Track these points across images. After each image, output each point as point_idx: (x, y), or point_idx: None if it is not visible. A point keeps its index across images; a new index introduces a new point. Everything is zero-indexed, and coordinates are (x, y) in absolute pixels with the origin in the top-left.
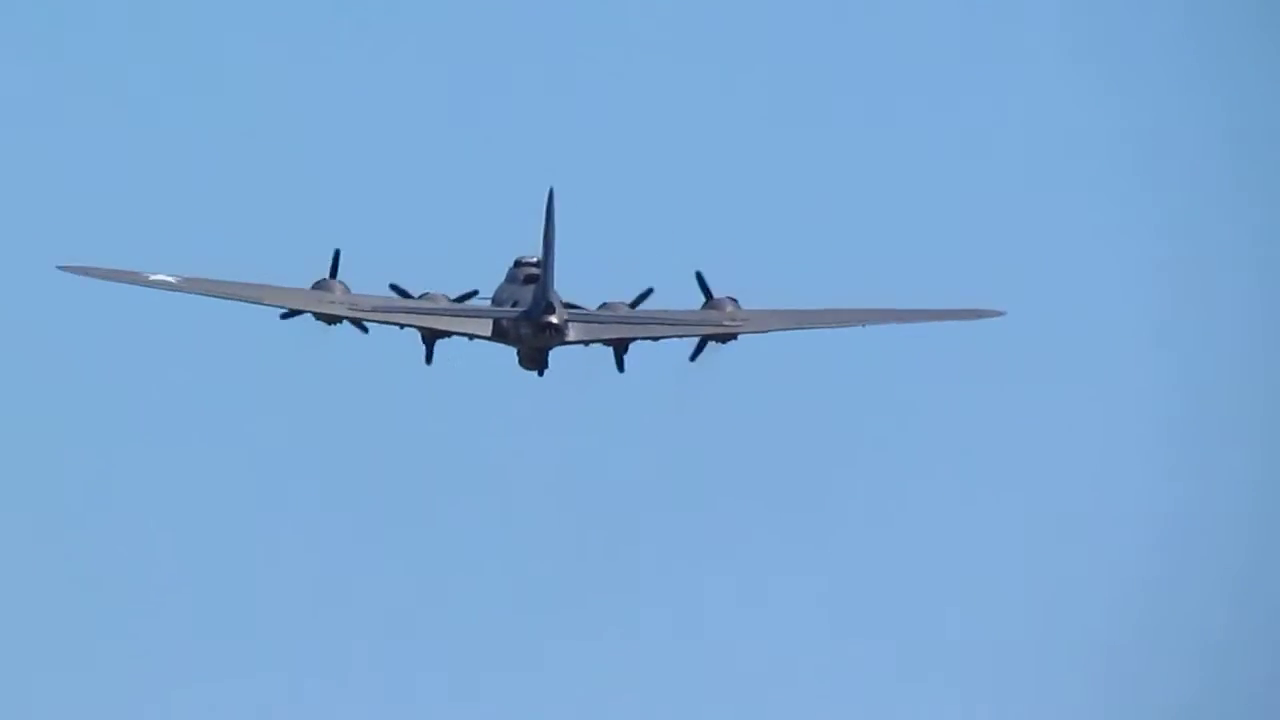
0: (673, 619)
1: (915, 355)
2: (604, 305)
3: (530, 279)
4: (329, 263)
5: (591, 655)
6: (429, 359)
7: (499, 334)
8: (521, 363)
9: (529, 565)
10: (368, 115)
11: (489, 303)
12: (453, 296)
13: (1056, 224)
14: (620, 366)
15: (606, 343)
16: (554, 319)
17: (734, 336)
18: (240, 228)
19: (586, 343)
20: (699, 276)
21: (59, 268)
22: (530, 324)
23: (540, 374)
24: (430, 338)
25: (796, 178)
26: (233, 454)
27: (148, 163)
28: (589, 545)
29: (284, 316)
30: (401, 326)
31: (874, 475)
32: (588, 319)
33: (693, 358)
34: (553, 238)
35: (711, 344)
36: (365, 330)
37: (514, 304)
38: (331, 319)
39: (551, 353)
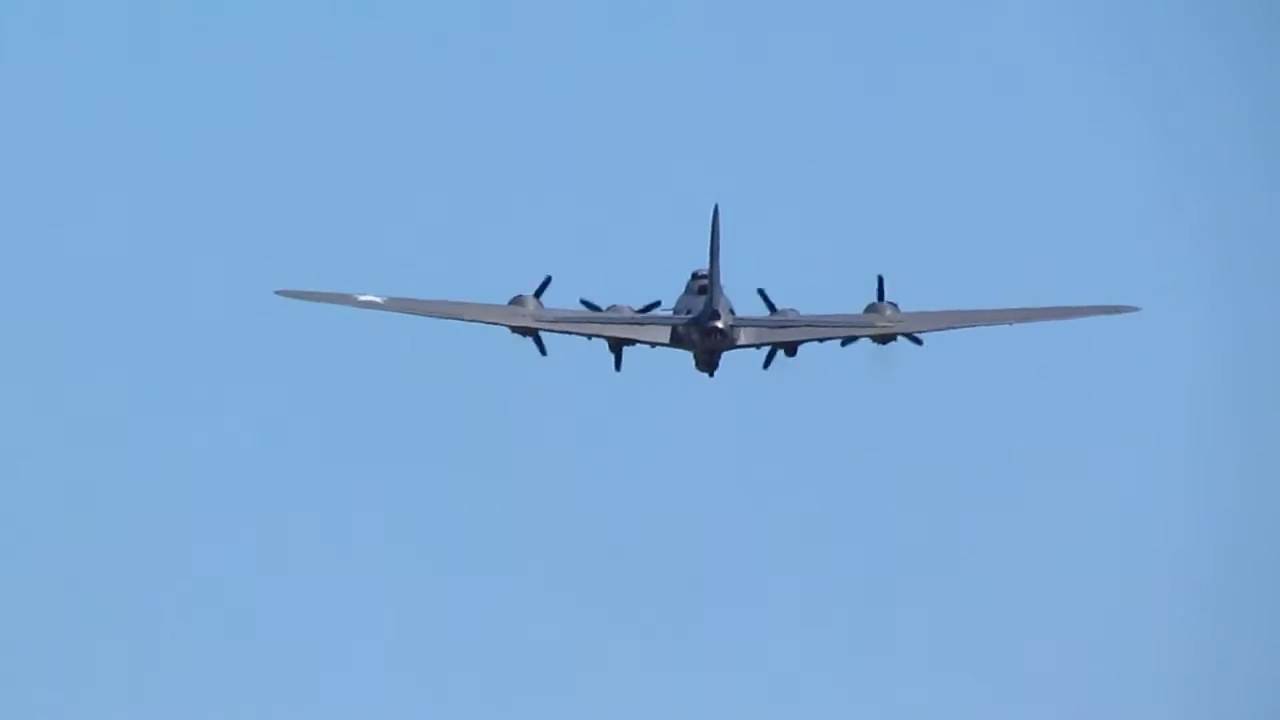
0: (854, 611)
1: (1061, 349)
2: (777, 311)
3: (704, 289)
4: (536, 283)
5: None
6: (618, 365)
7: (676, 340)
8: (697, 366)
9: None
10: (552, 137)
11: (671, 312)
12: (637, 308)
13: (1192, 220)
14: (766, 366)
15: (776, 345)
16: (719, 324)
17: (893, 337)
18: (438, 247)
19: (757, 345)
20: (880, 281)
21: (277, 293)
22: (699, 330)
23: (710, 375)
24: (616, 346)
25: (933, 182)
26: (442, 456)
27: (346, 186)
28: (764, 534)
29: (518, 331)
30: (589, 337)
31: (1031, 468)
32: (755, 324)
33: (844, 344)
34: (718, 250)
35: (873, 344)
36: (541, 347)
37: (688, 312)
38: (525, 331)
39: (725, 355)
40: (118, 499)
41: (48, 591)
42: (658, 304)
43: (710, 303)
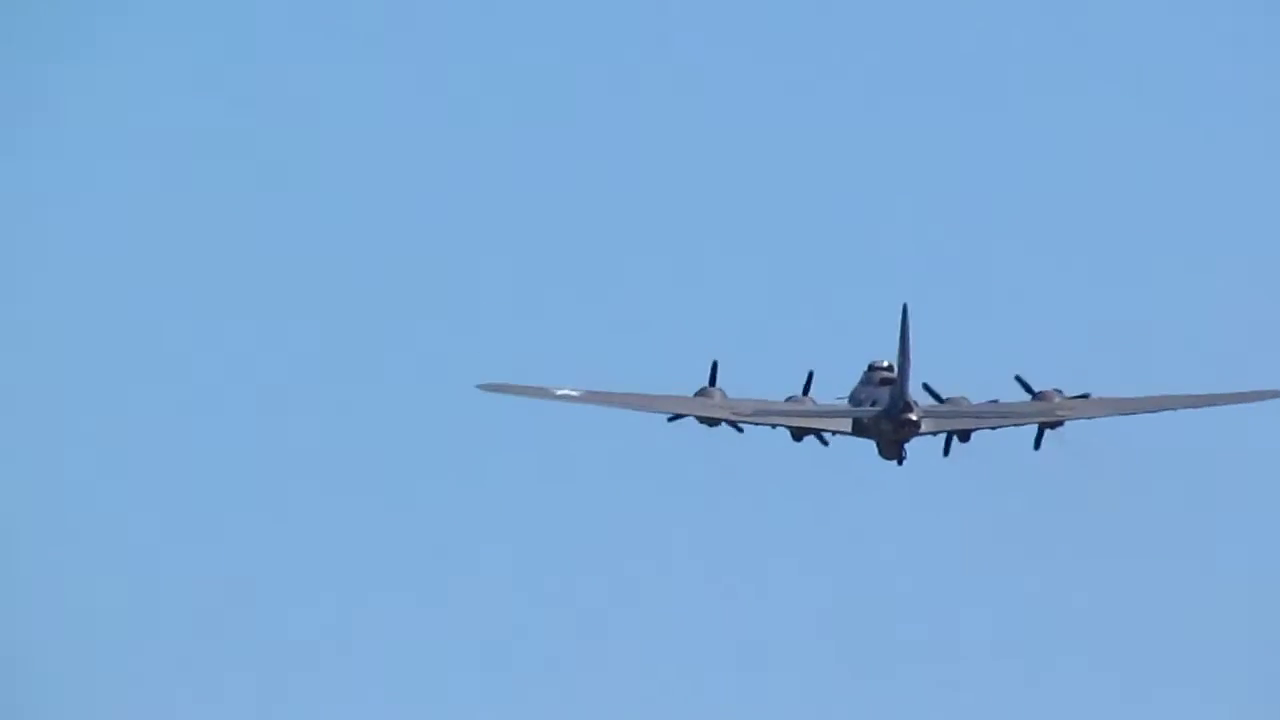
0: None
1: (1212, 433)
2: (948, 400)
3: (885, 381)
4: (707, 372)
5: None
6: (797, 438)
7: (859, 429)
8: (881, 453)
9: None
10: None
11: (846, 401)
12: (806, 394)
13: None
14: (947, 452)
15: (953, 434)
16: (914, 416)
17: (1062, 423)
18: (619, 340)
19: (935, 433)
20: (1019, 379)
21: (479, 387)
22: (892, 421)
23: (900, 463)
24: (799, 434)
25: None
26: (637, 541)
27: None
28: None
29: (670, 420)
30: (774, 426)
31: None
32: (939, 414)
33: (1036, 446)
34: (908, 346)
35: (1047, 431)
36: (740, 430)
37: (872, 403)
38: (714, 422)
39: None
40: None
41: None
42: (810, 376)
43: (903, 395)
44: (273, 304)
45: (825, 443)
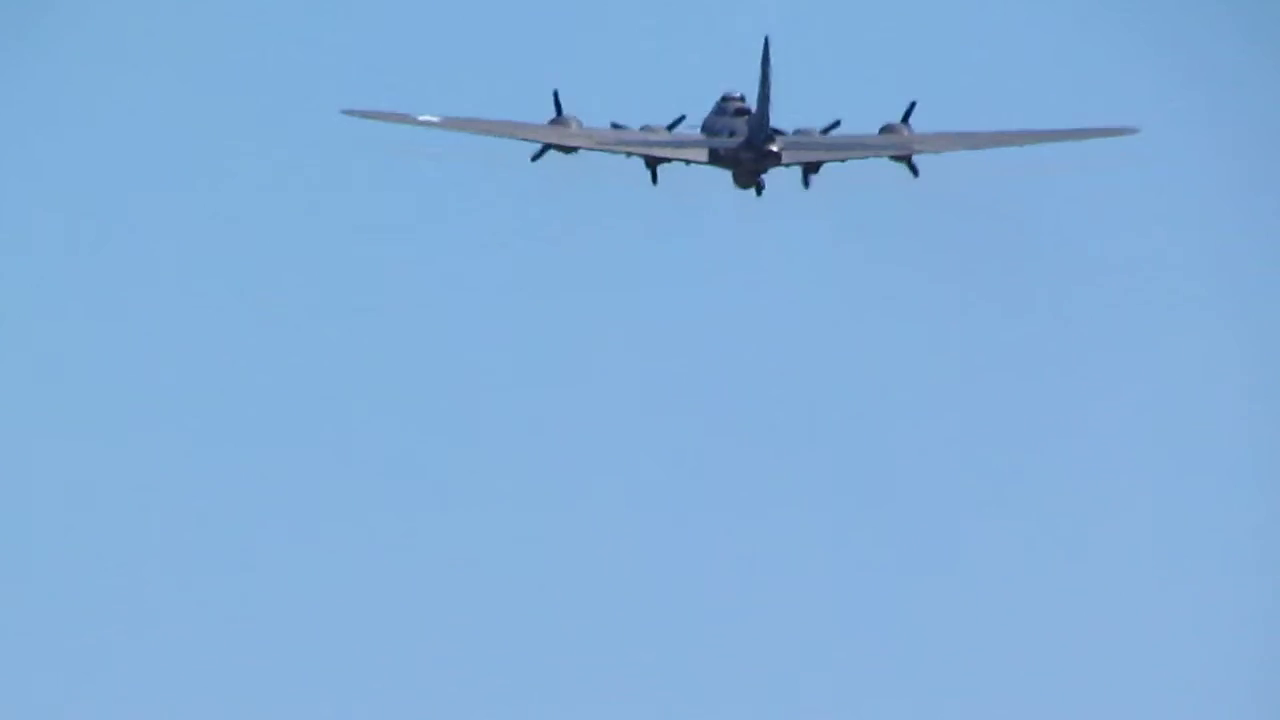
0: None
1: (1062, 169)
2: (798, 131)
3: (739, 112)
4: (551, 102)
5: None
6: (654, 180)
7: (715, 159)
8: (736, 182)
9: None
10: None
11: (698, 131)
12: (664, 125)
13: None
14: (806, 184)
15: (805, 165)
16: (776, 147)
17: (911, 156)
18: (467, 68)
19: (792, 164)
20: (911, 106)
21: (344, 112)
22: (754, 151)
23: (758, 194)
24: (653, 164)
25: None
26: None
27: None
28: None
29: (534, 159)
30: (629, 155)
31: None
32: (798, 145)
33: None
34: (769, 78)
35: (892, 163)
36: (570, 153)
37: (730, 134)
38: (569, 149)
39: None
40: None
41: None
42: (683, 118)
43: (765, 126)
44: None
45: (688, 163)
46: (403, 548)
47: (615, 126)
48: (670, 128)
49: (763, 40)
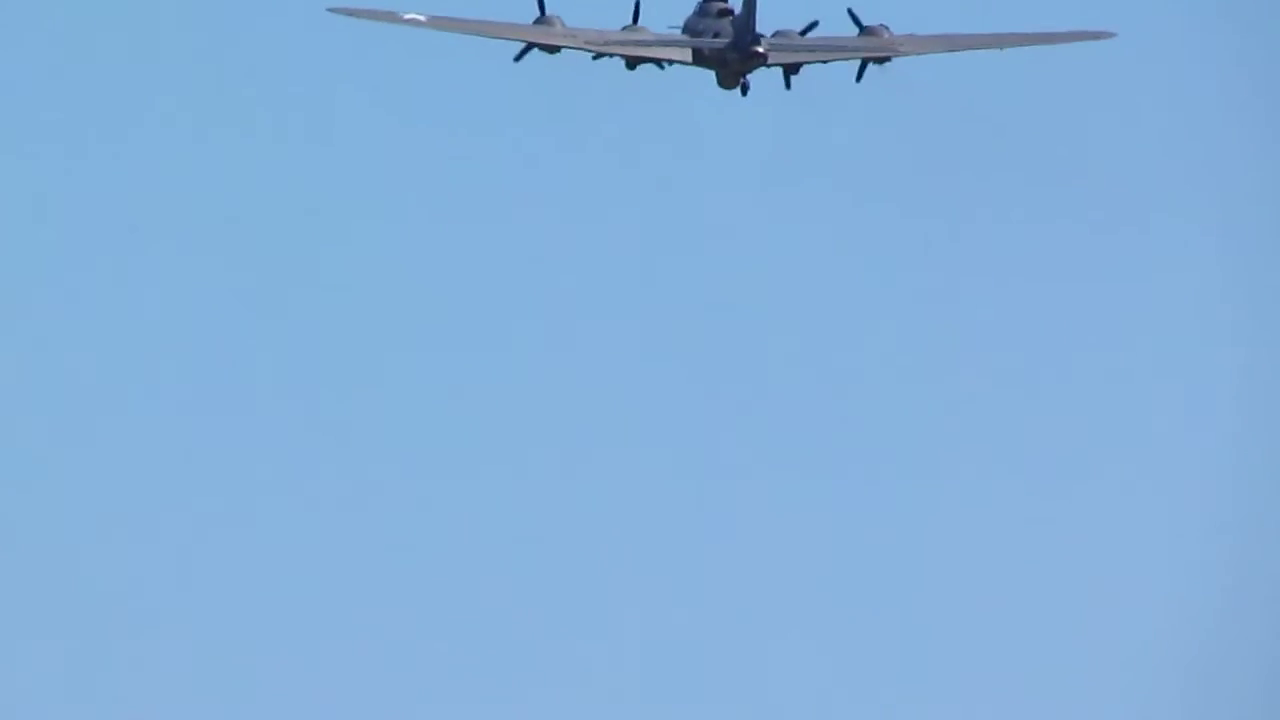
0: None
1: (1050, 73)
2: (777, 33)
3: (722, 13)
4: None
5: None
6: (630, 68)
7: (699, 60)
8: (720, 83)
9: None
10: None
11: (678, 32)
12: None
13: None
14: (788, 85)
15: (787, 66)
16: (761, 49)
17: (890, 59)
18: None
19: (772, 66)
20: (850, 12)
21: (329, 10)
22: (740, 52)
23: (744, 93)
24: (636, 63)
25: None
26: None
27: None
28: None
29: (517, 59)
30: (611, 55)
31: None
32: (782, 47)
33: (858, 79)
34: None
35: (872, 65)
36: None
37: (714, 35)
38: (553, 49)
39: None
40: None
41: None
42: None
43: (751, 27)
44: None
45: (663, 67)
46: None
47: (631, 24)
48: (634, 19)
49: None
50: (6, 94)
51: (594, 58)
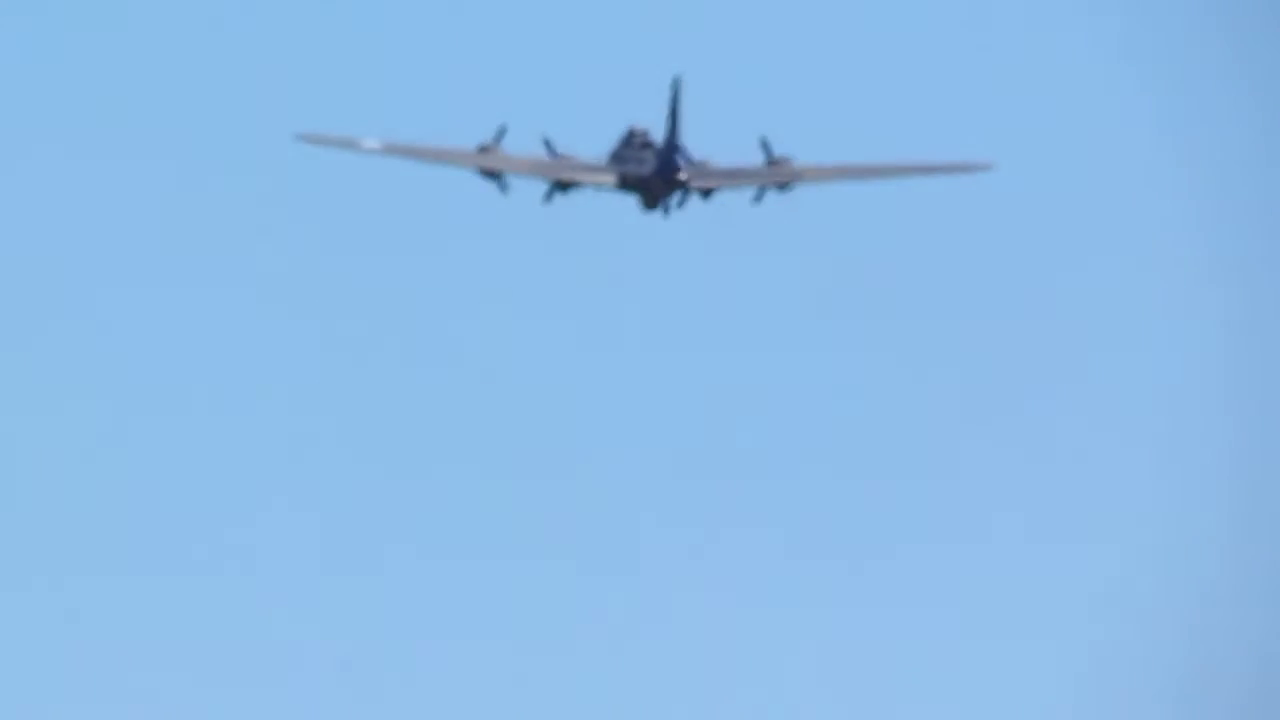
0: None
1: (920, 204)
2: (693, 162)
3: (645, 145)
4: (494, 132)
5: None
6: (547, 199)
7: (625, 184)
8: (644, 206)
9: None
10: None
11: (605, 160)
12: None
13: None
14: (704, 201)
15: (702, 190)
16: (683, 175)
17: (792, 186)
18: (409, 92)
19: (690, 189)
20: (764, 142)
21: (297, 137)
22: (662, 178)
23: (665, 214)
24: (566, 186)
25: (801, 38)
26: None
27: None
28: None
29: (485, 174)
30: (543, 179)
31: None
32: (699, 174)
33: (757, 200)
34: (678, 114)
35: (775, 191)
36: (502, 187)
37: (638, 163)
38: (492, 174)
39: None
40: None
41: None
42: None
43: (673, 156)
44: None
45: (599, 186)
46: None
47: (546, 145)
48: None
49: (671, 80)
50: None
51: (549, 186)
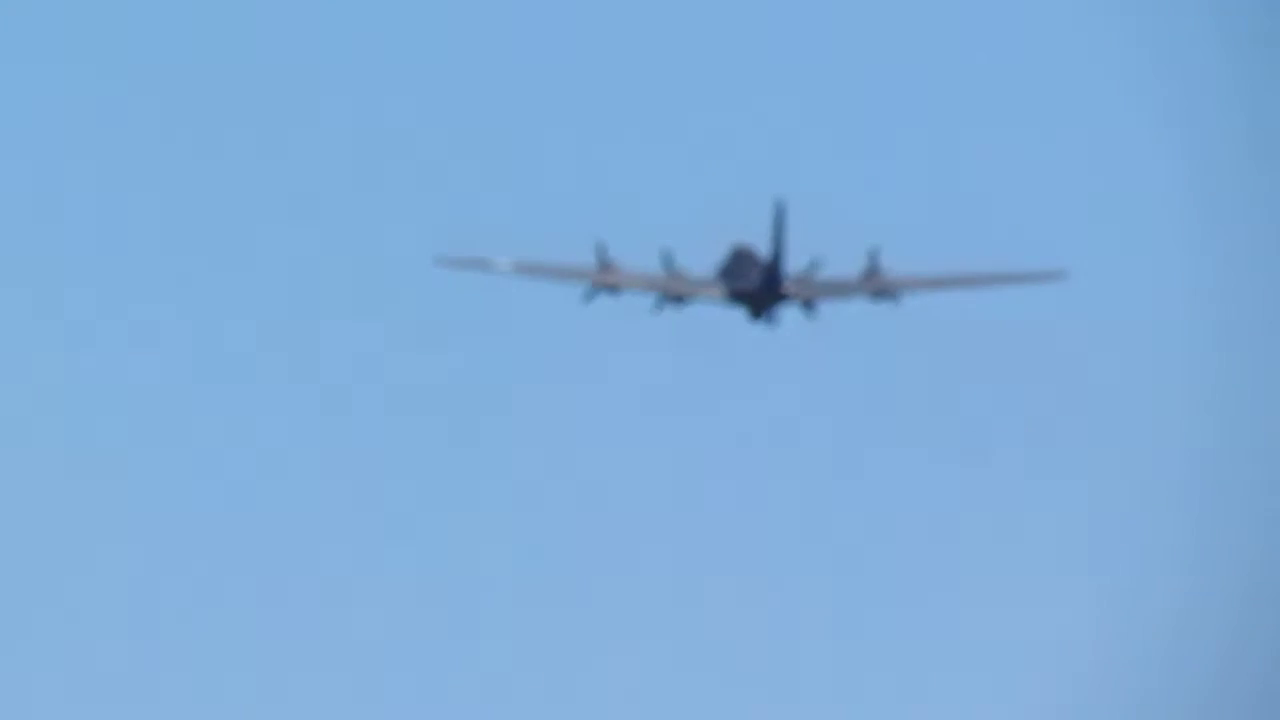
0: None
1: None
2: (797, 276)
3: (751, 260)
4: (595, 250)
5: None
6: (658, 309)
7: (734, 297)
8: (751, 316)
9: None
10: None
11: (716, 275)
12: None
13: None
14: (808, 317)
15: (804, 300)
16: (787, 289)
17: (896, 295)
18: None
19: (795, 300)
20: (870, 253)
21: (437, 260)
22: (769, 291)
23: (770, 325)
24: (673, 300)
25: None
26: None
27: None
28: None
29: (589, 299)
30: (666, 295)
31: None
32: (801, 286)
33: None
34: (783, 232)
35: (875, 298)
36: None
37: (744, 278)
38: (615, 289)
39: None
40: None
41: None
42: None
43: (778, 271)
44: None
45: (712, 299)
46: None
47: (666, 263)
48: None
49: (775, 202)
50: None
51: (663, 299)
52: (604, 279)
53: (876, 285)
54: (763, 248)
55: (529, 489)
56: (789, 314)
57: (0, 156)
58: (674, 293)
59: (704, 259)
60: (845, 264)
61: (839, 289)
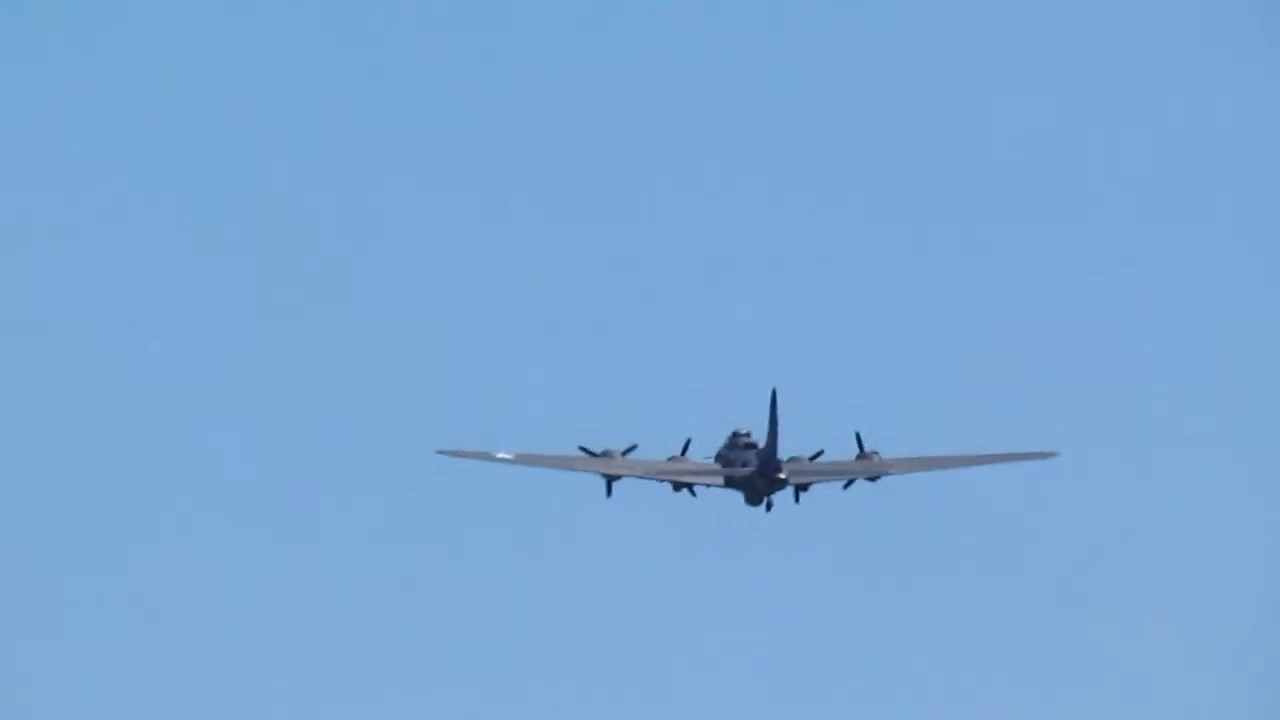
0: None
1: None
2: (791, 458)
3: (747, 445)
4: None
5: None
6: (675, 490)
7: (731, 483)
8: (748, 501)
9: None
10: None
11: (713, 459)
12: (678, 452)
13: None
14: (797, 500)
15: (798, 485)
16: (783, 475)
17: (880, 478)
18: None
19: (788, 485)
20: (857, 437)
21: (439, 452)
22: (765, 478)
23: (768, 509)
24: (678, 486)
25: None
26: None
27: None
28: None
29: (609, 491)
30: (660, 480)
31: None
32: (796, 471)
33: (845, 487)
34: (777, 420)
35: (865, 481)
36: (609, 491)
37: (742, 464)
38: (614, 478)
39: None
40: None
41: None
42: (689, 441)
43: (774, 458)
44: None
45: (694, 494)
46: None
47: (677, 455)
48: (683, 452)
49: (770, 392)
50: None
51: (676, 488)
52: (605, 468)
53: (872, 467)
54: (759, 433)
55: (529, 674)
56: (782, 498)
57: None
58: (672, 479)
59: (704, 445)
60: (836, 446)
61: (835, 473)
